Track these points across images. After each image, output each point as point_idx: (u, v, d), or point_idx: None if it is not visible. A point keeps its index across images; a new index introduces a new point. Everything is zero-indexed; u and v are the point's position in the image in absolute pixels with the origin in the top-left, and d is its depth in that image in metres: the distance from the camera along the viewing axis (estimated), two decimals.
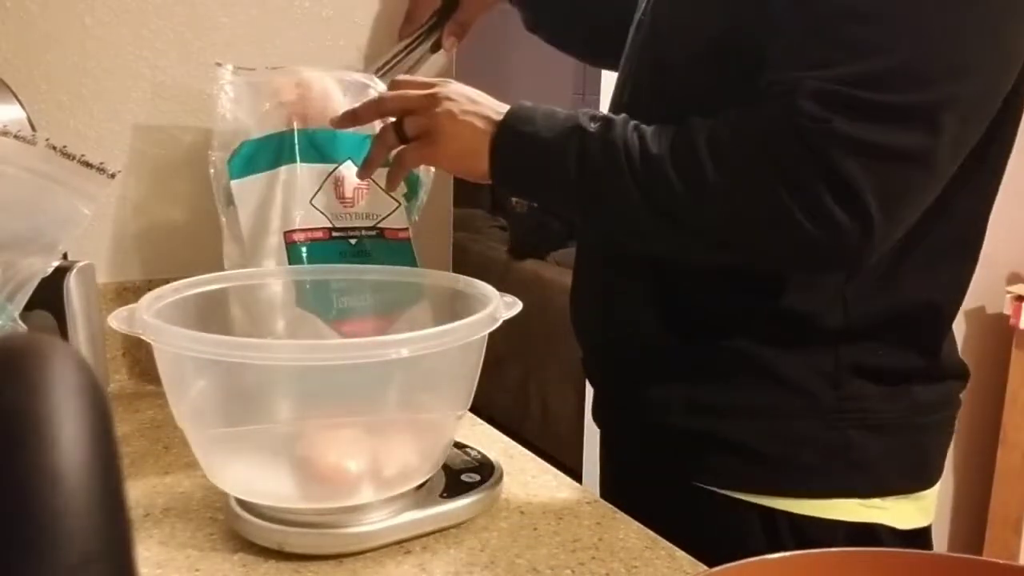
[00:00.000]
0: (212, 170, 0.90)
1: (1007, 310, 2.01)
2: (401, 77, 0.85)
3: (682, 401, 0.79)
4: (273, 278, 0.82)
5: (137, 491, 0.75)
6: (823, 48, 0.64)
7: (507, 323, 0.69)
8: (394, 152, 0.82)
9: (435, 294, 0.81)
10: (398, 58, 1.03)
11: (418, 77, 0.86)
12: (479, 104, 0.76)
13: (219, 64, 0.93)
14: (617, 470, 0.93)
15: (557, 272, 2.99)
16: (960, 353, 0.83)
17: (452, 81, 0.79)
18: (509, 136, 0.73)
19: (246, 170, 0.86)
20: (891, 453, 0.77)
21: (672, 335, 0.80)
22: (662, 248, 0.74)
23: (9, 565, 0.30)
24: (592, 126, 0.70)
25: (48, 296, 0.75)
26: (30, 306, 0.70)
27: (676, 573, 0.65)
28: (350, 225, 0.88)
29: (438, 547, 0.67)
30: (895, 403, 0.76)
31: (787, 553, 0.43)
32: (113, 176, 0.70)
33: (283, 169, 0.86)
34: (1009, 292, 2.02)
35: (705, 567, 0.43)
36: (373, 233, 0.88)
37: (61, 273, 0.77)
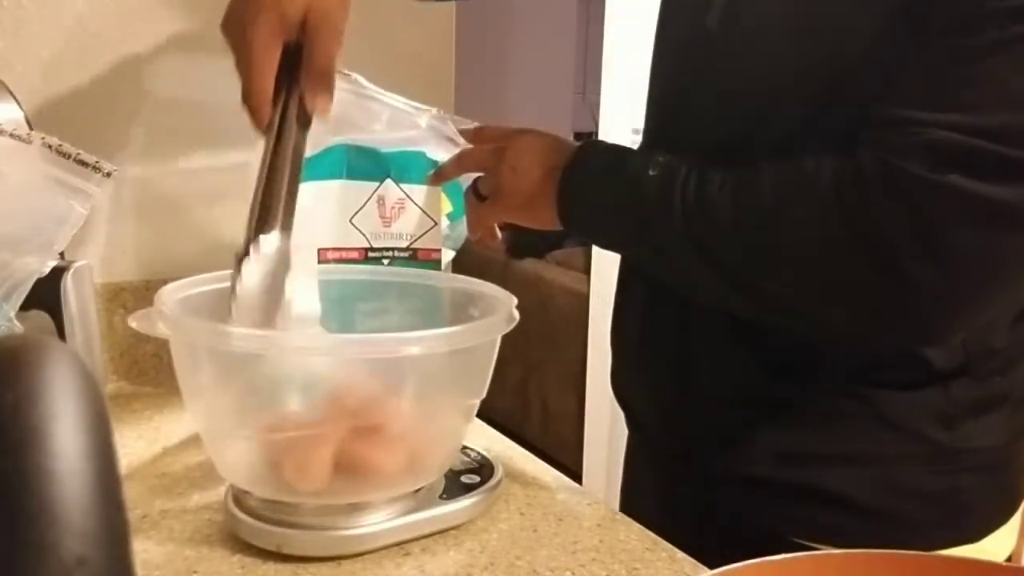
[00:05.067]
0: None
1: None
2: (480, 127, 0.82)
3: (772, 450, 0.73)
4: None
5: (134, 492, 0.74)
6: (953, 90, 0.57)
7: None
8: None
9: (445, 296, 0.80)
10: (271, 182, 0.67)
11: (495, 127, 0.82)
12: (539, 153, 0.75)
13: None
14: (683, 526, 0.81)
15: (557, 272, 3.00)
16: None
17: (527, 131, 0.77)
18: (572, 182, 0.72)
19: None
20: (995, 490, 0.74)
21: (760, 377, 0.73)
22: (713, 301, 0.70)
23: (6, 566, 0.30)
24: (652, 171, 0.68)
25: (45, 296, 0.74)
26: (27, 306, 0.70)
27: (677, 575, 0.64)
28: (386, 245, 0.87)
29: (437, 549, 0.67)
30: (999, 435, 0.72)
31: (787, 555, 0.42)
32: (109, 175, 0.70)
33: (328, 184, 0.84)
34: None
35: (707, 569, 0.42)
36: (407, 254, 0.88)
37: (58, 273, 0.76)
